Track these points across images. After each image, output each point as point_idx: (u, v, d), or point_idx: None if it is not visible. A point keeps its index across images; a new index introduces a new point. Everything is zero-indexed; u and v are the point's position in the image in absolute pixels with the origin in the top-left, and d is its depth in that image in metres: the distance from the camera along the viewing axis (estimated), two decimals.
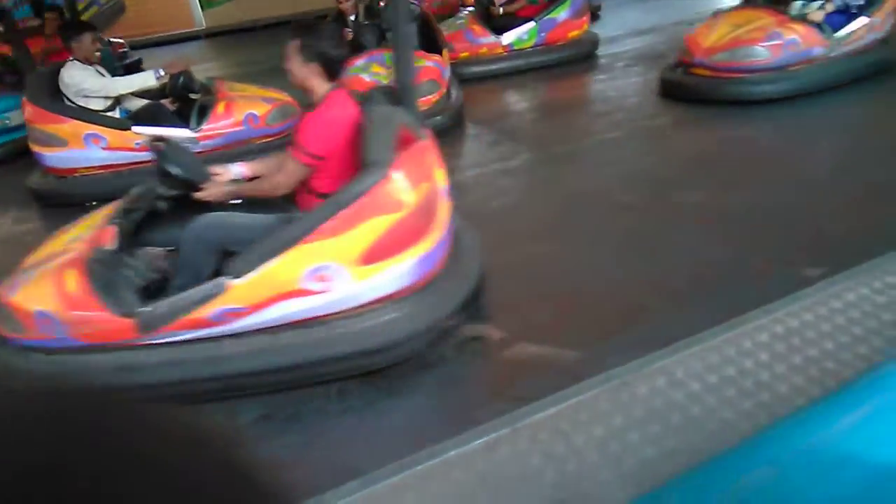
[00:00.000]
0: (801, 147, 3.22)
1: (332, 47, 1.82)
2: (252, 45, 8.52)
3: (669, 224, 2.50)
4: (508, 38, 4.99)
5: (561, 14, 5.00)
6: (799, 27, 4.04)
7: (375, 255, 1.73)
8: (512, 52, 4.99)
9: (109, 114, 3.37)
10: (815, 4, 4.15)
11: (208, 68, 7.26)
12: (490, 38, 4.98)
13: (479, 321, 2.14)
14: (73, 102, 3.30)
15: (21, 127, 4.22)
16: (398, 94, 2.16)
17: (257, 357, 1.76)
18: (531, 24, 4.98)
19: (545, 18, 4.99)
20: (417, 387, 1.82)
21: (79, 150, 3.36)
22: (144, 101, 3.44)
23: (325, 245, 1.69)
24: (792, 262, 2.08)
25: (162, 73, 3.35)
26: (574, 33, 5.14)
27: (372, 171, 1.70)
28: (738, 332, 1.60)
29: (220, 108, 3.48)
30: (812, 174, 2.80)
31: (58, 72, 3.32)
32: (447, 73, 4.03)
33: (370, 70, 3.85)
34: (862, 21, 4.13)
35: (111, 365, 1.77)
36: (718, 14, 4.50)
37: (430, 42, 4.37)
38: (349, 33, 4.19)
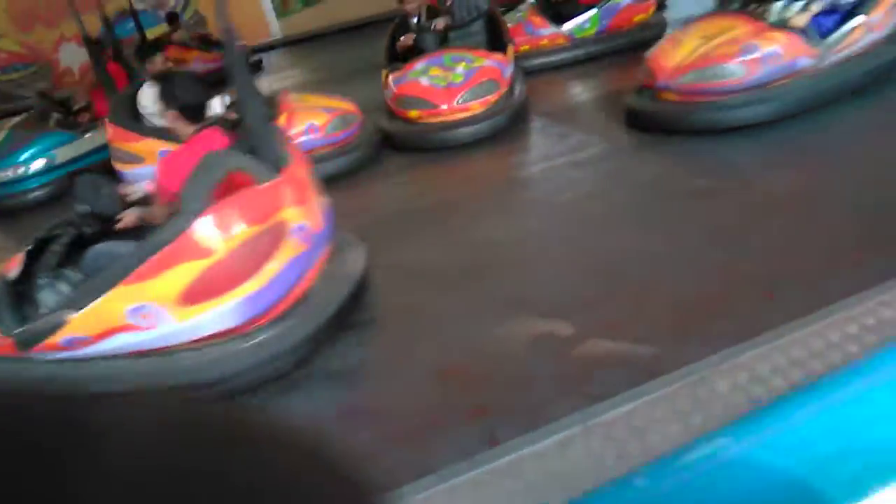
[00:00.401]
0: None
1: (187, 94, 2.04)
2: (329, 49, 8.72)
3: (758, 211, 2.37)
4: (569, 27, 4.86)
5: None
6: (780, 35, 3.25)
7: (194, 296, 1.90)
8: (574, 41, 4.87)
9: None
10: (798, 5, 3.38)
11: (285, 77, 7.51)
12: (550, 29, 4.89)
13: (550, 317, 2.12)
14: (150, 121, 3.52)
15: (67, 164, 4.61)
16: (250, 135, 2.17)
17: (106, 381, 2.02)
18: (593, 11, 4.86)
19: (607, 5, 4.84)
20: (485, 383, 1.82)
21: (153, 166, 3.54)
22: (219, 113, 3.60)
23: (143, 286, 1.91)
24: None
25: (228, 99, 3.49)
26: (640, 17, 4.95)
27: (178, 219, 1.88)
28: (826, 324, 1.51)
29: (282, 120, 3.55)
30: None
31: (136, 93, 3.57)
32: (509, 71, 3.96)
33: (429, 73, 3.86)
34: (857, 21, 3.32)
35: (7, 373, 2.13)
36: (687, 24, 3.73)
37: (497, 39, 4.33)
38: (411, 36, 4.22)
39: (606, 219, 2.62)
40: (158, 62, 3.56)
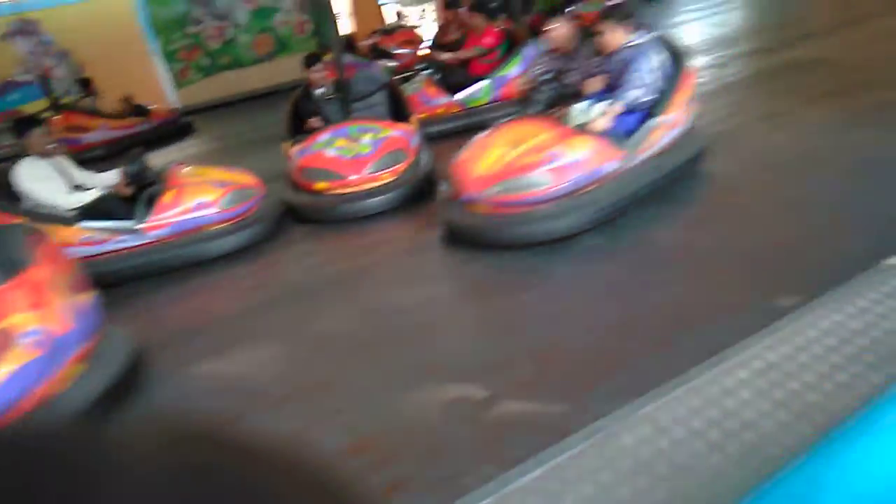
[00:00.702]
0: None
1: None
2: (230, 118, 8.58)
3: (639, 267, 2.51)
4: (461, 96, 5.05)
5: (512, 70, 5.04)
6: (586, 140, 3.01)
7: None
8: (468, 109, 5.04)
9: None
10: (599, 107, 3.13)
11: (183, 147, 7.26)
12: (445, 99, 5.05)
13: (461, 381, 2.10)
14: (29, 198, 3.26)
15: None
16: None
17: None
18: (485, 82, 5.06)
19: (498, 76, 5.06)
20: (398, 456, 1.76)
21: None
22: (102, 192, 3.39)
23: None
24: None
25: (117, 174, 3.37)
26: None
27: None
28: (718, 371, 1.59)
29: (168, 197, 3.40)
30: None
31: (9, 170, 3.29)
32: (416, 140, 4.01)
33: (334, 144, 3.84)
34: (657, 120, 3.15)
35: None
36: (493, 129, 3.38)
37: (399, 109, 4.44)
38: (314, 106, 4.21)
39: (501, 277, 2.68)
40: (34, 137, 3.25)
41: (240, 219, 3.55)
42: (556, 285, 2.56)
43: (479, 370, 2.09)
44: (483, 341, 2.26)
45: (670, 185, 3.17)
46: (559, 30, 3.30)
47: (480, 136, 3.33)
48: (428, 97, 5.13)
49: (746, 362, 1.61)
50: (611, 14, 3.13)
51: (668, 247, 2.71)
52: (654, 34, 3.13)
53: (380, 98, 4.54)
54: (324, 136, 3.96)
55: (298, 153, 3.96)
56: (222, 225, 3.49)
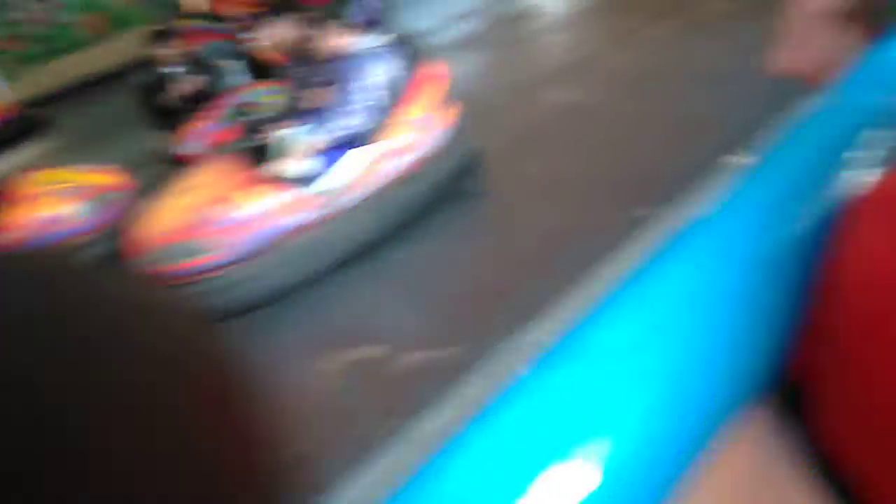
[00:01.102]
0: None
1: None
2: (84, 105, 7.76)
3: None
4: None
5: None
6: (264, 190, 2.02)
7: None
8: None
9: None
10: (301, 139, 2.03)
11: (36, 145, 6.53)
12: None
13: (359, 344, 2.10)
14: None
15: None
16: None
17: None
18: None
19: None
20: (303, 428, 1.77)
21: None
22: None
23: None
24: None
25: None
26: None
27: None
28: (588, 286, 1.71)
29: (14, 214, 2.81)
30: None
31: None
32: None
33: (245, 112, 3.14)
34: (359, 154, 2.09)
35: None
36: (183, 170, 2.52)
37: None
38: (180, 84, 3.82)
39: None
40: None
41: (106, 227, 3.09)
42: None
43: (378, 329, 2.11)
44: (371, 299, 2.27)
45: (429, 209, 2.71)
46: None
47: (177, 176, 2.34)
48: None
49: (611, 274, 1.74)
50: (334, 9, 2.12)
51: (534, 179, 2.81)
52: (391, 36, 2.29)
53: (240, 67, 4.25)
54: (227, 108, 3.47)
55: (206, 129, 3.43)
56: (85, 237, 3.03)
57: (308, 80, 2.36)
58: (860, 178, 1.07)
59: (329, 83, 2.51)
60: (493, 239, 2.21)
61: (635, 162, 2.51)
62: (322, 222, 2.38)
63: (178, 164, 3.53)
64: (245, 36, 3.41)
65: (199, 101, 3.64)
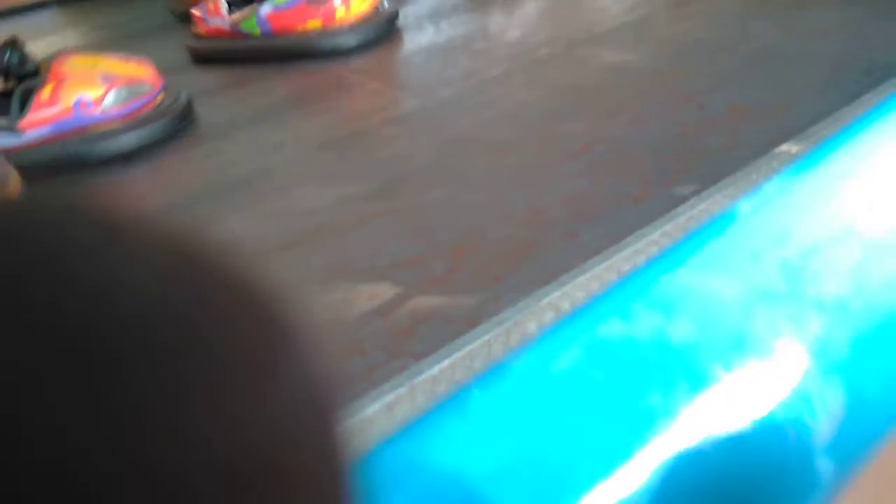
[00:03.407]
0: None
1: None
2: (112, 6, 7.72)
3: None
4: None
5: None
6: None
7: None
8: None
9: None
10: None
11: (63, 40, 6.52)
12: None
13: (373, 281, 2.10)
14: None
15: None
16: None
17: None
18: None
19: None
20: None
21: None
22: None
23: None
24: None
25: None
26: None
27: None
28: (617, 259, 1.65)
29: (45, 93, 3.00)
30: None
31: None
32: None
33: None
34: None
35: None
36: None
37: None
38: None
39: (424, 171, 2.65)
40: None
41: (131, 117, 3.19)
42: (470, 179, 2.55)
43: (392, 268, 2.10)
44: (396, 240, 2.25)
45: None
46: None
47: None
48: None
49: (644, 249, 1.68)
50: None
51: (574, 136, 2.73)
52: None
53: None
54: None
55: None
56: (110, 125, 3.13)
57: None
58: None
59: None
60: (524, 196, 2.16)
61: (677, 135, 2.42)
62: None
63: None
64: None
65: None
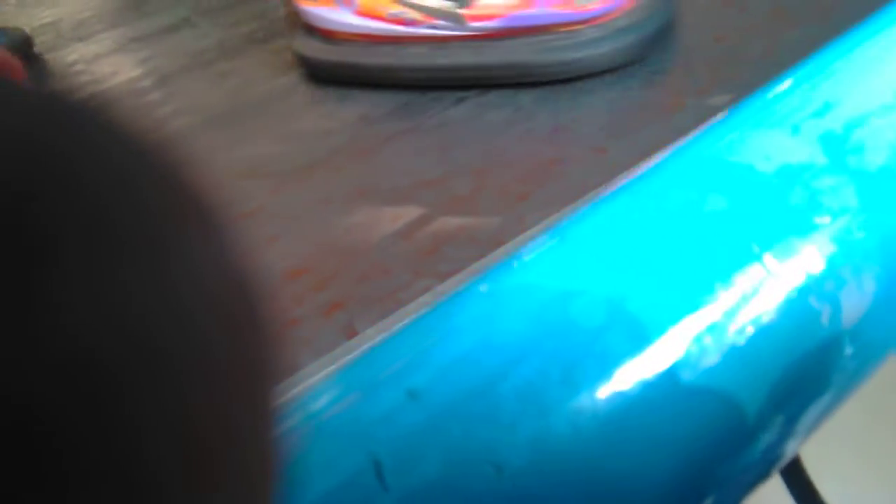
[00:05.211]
0: None
1: None
2: None
3: None
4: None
5: None
6: None
7: None
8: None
9: None
10: None
11: None
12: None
13: (396, 203, 2.08)
14: None
15: None
16: None
17: None
18: None
19: None
20: (338, 278, 1.79)
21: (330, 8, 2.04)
22: None
23: None
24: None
25: None
26: None
27: None
28: (646, 173, 1.61)
29: None
30: None
31: None
32: None
33: None
34: None
35: None
36: None
37: None
38: None
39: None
40: None
41: (610, 18, 1.90)
42: (493, 96, 2.47)
43: (415, 189, 2.07)
44: (419, 161, 2.21)
45: None
46: None
47: None
48: None
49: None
50: None
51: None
52: None
53: None
54: None
55: None
56: (578, 26, 1.91)
57: None
58: None
59: None
60: (555, 117, 2.09)
61: (713, 41, 2.29)
62: None
63: None
64: None
65: None
